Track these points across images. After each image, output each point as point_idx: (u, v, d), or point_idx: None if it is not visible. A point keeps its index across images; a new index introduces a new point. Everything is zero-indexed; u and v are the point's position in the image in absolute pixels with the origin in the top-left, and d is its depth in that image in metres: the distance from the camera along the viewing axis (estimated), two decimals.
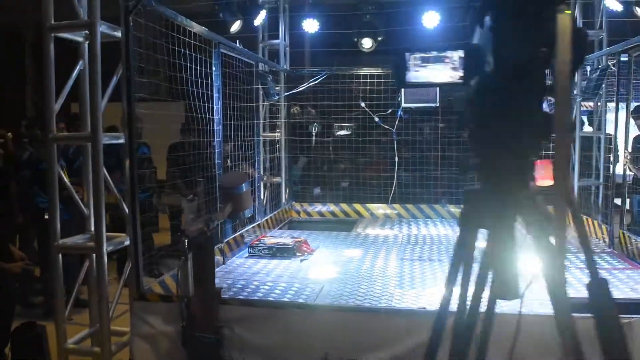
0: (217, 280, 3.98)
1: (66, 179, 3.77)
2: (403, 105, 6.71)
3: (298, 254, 5.05)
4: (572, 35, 1.28)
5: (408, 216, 6.90)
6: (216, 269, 4.53)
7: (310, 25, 6.90)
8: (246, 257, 5.02)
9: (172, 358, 3.30)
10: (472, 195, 1.57)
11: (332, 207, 7.07)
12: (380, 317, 3.13)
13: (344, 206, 7.04)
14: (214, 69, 4.59)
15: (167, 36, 4.10)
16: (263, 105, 6.90)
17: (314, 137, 7.19)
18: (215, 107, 4.62)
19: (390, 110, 6.80)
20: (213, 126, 4.63)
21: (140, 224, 3.41)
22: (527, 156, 1.50)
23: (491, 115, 1.45)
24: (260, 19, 6.51)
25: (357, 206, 7.02)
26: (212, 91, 4.60)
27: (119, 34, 3.34)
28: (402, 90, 6.59)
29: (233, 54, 5.26)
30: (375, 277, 4.31)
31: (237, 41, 5.44)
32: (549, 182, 5.68)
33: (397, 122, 6.79)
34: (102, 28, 3.25)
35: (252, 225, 5.76)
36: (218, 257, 4.69)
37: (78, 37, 3.45)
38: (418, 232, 6.16)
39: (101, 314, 3.38)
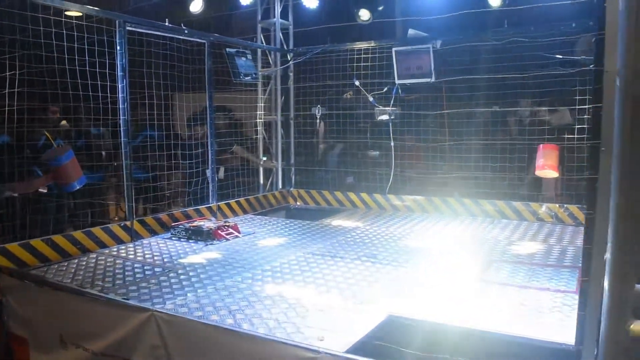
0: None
1: None
2: (397, 82, 5.87)
3: (215, 238, 4.82)
4: None
5: (422, 209, 6.05)
6: (113, 247, 4.63)
7: (310, 1, 6.47)
8: (167, 238, 4.96)
9: None
10: None
11: (327, 195, 6.55)
12: (97, 304, 2.83)
13: (339, 194, 6.46)
14: (118, 47, 4.61)
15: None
16: (263, 88, 6.72)
17: (317, 120, 6.72)
18: (119, 85, 4.63)
19: (385, 89, 6.01)
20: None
21: None
22: None
23: None
24: None
25: (352, 195, 6.39)
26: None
27: None
28: (395, 65, 5.79)
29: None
30: (240, 267, 3.90)
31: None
32: (553, 174, 4.48)
33: (392, 102, 5.98)
34: None
35: (195, 206, 5.59)
36: (123, 236, 4.73)
37: None
38: (387, 227, 5.35)
39: None
